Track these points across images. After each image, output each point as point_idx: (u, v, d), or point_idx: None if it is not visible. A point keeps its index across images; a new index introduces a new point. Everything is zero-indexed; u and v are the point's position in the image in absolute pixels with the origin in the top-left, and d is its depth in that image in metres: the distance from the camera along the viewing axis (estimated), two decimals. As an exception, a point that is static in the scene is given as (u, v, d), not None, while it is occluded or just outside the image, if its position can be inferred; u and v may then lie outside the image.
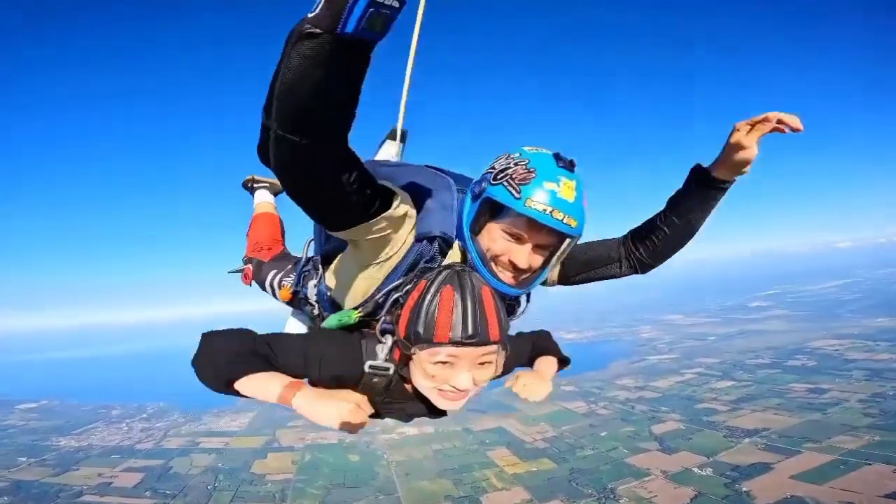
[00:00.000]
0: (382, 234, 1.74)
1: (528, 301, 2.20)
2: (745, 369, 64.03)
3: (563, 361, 2.65)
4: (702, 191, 2.05)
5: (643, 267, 2.34)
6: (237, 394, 1.74)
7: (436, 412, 2.03)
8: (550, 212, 1.72)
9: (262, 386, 1.70)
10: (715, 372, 64.95)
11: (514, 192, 1.74)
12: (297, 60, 1.04)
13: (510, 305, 2.11)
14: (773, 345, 74.41)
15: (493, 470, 44.54)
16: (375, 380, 1.86)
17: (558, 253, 1.92)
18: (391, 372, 1.84)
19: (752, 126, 1.82)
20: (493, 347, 1.70)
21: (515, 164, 1.79)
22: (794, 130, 1.76)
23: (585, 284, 2.45)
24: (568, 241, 1.88)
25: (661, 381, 63.99)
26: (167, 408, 67.74)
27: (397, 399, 1.98)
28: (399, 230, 1.78)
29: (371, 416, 1.92)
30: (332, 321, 2.00)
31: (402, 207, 1.72)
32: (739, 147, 1.86)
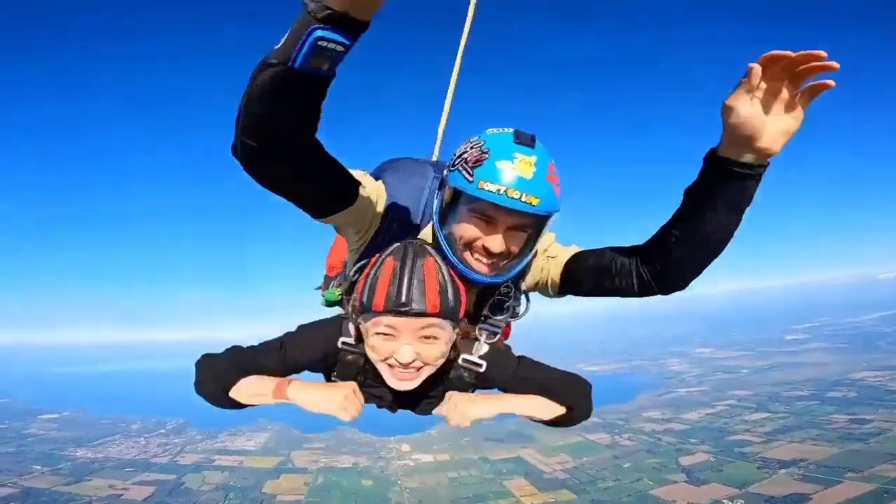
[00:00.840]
0: (356, 217, 1.85)
1: (528, 301, 2.15)
2: (781, 401, 61.00)
3: (566, 416, 2.11)
4: (712, 179, 1.56)
5: (658, 282, 1.85)
6: (240, 405, 1.93)
7: (416, 405, 2.10)
8: (504, 191, 1.63)
9: (254, 388, 1.84)
10: (748, 404, 62.12)
11: (467, 175, 1.69)
12: (258, 82, 1.24)
13: (509, 306, 2.09)
14: (812, 377, 70.89)
15: (510, 500, 43.12)
16: (349, 357, 1.93)
17: (539, 233, 1.84)
18: (360, 350, 1.90)
19: (762, 72, 1.34)
20: (434, 320, 1.68)
21: (472, 147, 1.74)
22: (826, 69, 1.30)
23: (595, 298, 2.09)
24: (542, 219, 1.78)
25: (690, 414, 61.21)
26: (186, 424, 68.32)
27: (373, 383, 1.99)
28: (367, 213, 1.87)
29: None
30: (321, 300, 2.18)
31: (366, 192, 1.82)
32: (729, 110, 1.41)
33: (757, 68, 1.31)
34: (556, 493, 43.12)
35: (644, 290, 1.90)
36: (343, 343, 1.92)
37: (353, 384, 1.89)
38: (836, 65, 1.26)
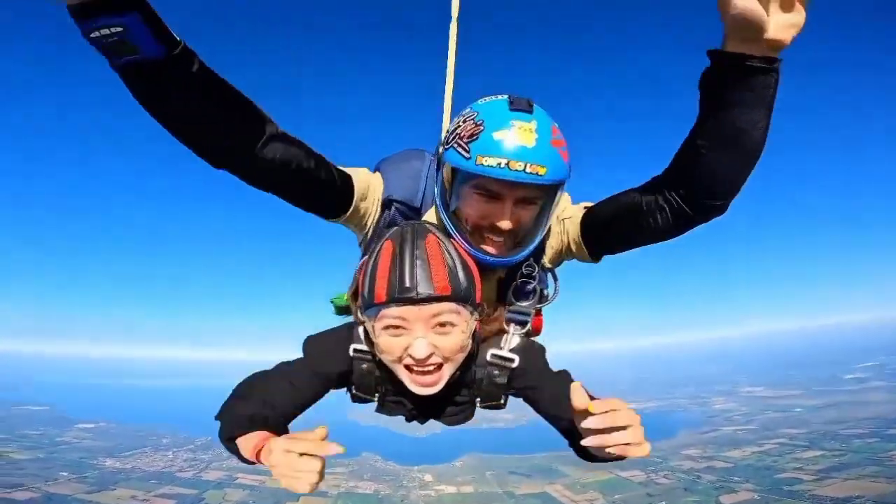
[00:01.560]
0: (356, 211, 1.76)
1: (556, 279, 1.95)
2: (837, 439, 55.83)
3: None
4: (727, 77, 1.37)
5: (694, 205, 1.57)
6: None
7: (442, 413, 1.85)
8: (506, 164, 1.48)
9: (244, 447, 1.56)
10: (800, 442, 57.18)
11: (463, 151, 1.54)
12: (131, 92, 1.21)
13: (535, 288, 1.85)
14: (872, 415, 64.89)
15: (535, 537, 40.44)
16: (364, 366, 1.72)
17: (552, 204, 1.67)
18: (372, 355, 1.69)
19: None
20: (446, 305, 1.45)
21: (465, 121, 1.60)
22: None
23: (633, 247, 1.84)
24: (552, 188, 1.62)
25: (734, 452, 56.81)
26: (215, 441, 69.06)
27: (392, 390, 1.77)
28: (364, 201, 1.76)
29: (379, 411, 1.91)
30: (332, 308, 2.05)
31: (359, 182, 1.72)
32: (725, 2, 1.25)
33: None
34: (584, 531, 40.40)
35: (680, 221, 1.61)
36: (355, 351, 1.71)
37: (315, 464, 1.27)
38: None
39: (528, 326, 1.82)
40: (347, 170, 1.72)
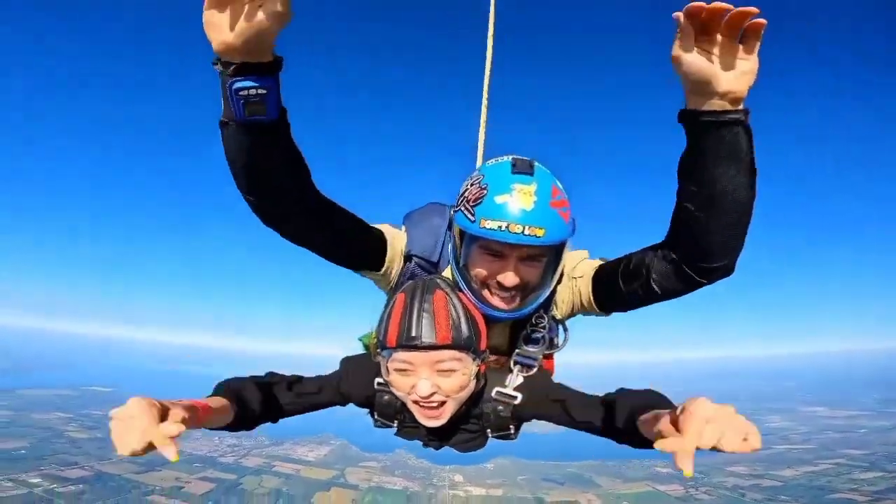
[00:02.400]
0: (387, 269, 1.97)
1: (566, 330, 2.09)
2: (901, 461, 50.96)
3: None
4: (692, 136, 1.43)
5: (694, 266, 1.63)
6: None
7: (454, 441, 2.07)
8: (506, 227, 1.61)
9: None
10: (860, 463, 52.36)
11: (469, 215, 1.70)
12: (225, 144, 1.39)
13: (543, 337, 1.99)
14: (944, 438, 58.52)
15: (560, 544, 39.28)
16: (385, 397, 1.93)
17: (556, 261, 1.81)
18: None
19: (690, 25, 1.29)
20: (447, 353, 1.65)
21: (472, 185, 1.75)
22: (743, 16, 1.23)
23: (642, 305, 1.92)
24: (554, 248, 1.74)
25: (785, 471, 52.54)
26: (258, 429, 72.26)
27: (409, 418, 1.93)
28: (392, 260, 1.96)
29: (398, 435, 2.15)
30: (361, 342, 2.19)
31: (391, 246, 1.94)
32: (677, 60, 1.32)
33: (680, 15, 1.25)
34: (612, 542, 38.82)
35: (684, 281, 1.68)
36: (378, 384, 1.92)
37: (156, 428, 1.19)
38: (753, 10, 1.21)
39: (534, 370, 1.95)
40: (378, 227, 1.93)
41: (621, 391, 1.72)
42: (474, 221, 1.67)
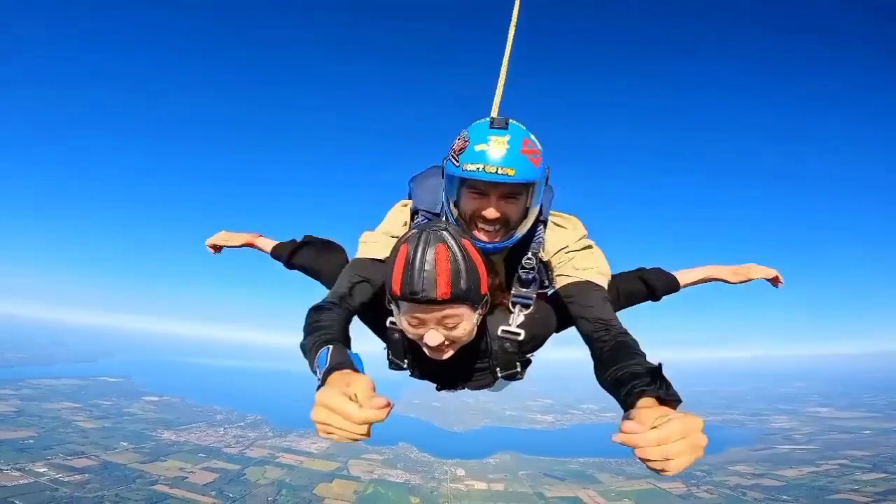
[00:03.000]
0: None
1: (551, 271, 2.26)
2: (906, 463, 50.52)
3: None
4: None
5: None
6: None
7: (467, 379, 2.31)
8: (482, 168, 1.93)
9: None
10: (863, 464, 52.07)
11: (455, 162, 2.02)
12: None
13: (535, 277, 2.22)
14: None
15: (558, 538, 39.34)
16: (395, 335, 2.19)
17: (531, 198, 2.06)
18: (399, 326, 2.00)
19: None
20: (450, 309, 1.75)
21: (458, 139, 2.07)
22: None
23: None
24: (525, 185, 2.01)
25: (788, 471, 52.30)
26: (262, 421, 73.05)
27: (419, 359, 2.18)
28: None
29: (412, 375, 2.37)
30: None
31: (395, 214, 2.42)
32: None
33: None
34: (612, 537, 38.79)
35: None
36: (390, 322, 2.16)
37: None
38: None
39: (531, 308, 2.20)
40: (391, 212, 2.41)
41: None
42: (458, 166, 1.99)
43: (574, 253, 2.21)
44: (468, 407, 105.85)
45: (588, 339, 1.91)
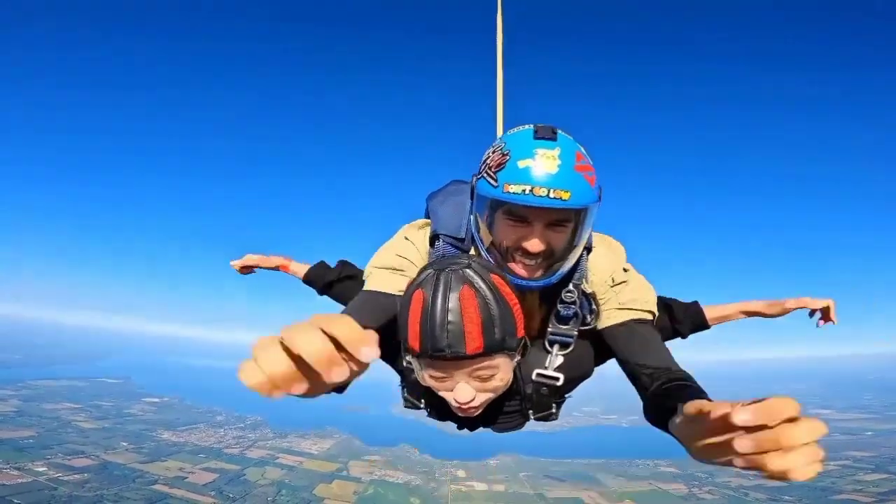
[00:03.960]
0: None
1: (597, 306, 1.89)
2: (907, 463, 50.66)
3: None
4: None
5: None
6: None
7: (493, 422, 1.99)
8: (530, 190, 1.54)
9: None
10: (865, 465, 52.21)
11: (492, 181, 1.62)
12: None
13: (577, 313, 1.85)
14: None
15: (559, 539, 39.32)
16: (413, 376, 1.70)
17: (582, 227, 1.68)
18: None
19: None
20: (482, 362, 1.46)
21: (493, 152, 1.68)
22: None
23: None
24: (579, 212, 1.64)
25: (791, 472, 52.19)
26: (262, 422, 73.33)
27: (439, 400, 1.78)
28: (418, 247, 1.92)
29: (430, 416, 2.01)
30: None
31: (412, 235, 1.96)
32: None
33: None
34: (612, 538, 38.81)
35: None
36: (407, 362, 1.63)
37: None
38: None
39: (571, 347, 1.86)
40: (404, 229, 2.03)
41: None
42: (497, 186, 1.58)
43: (619, 286, 1.86)
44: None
45: (644, 388, 1.63)
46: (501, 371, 1.51)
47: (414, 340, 1.43)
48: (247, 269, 3.30)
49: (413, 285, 1.47)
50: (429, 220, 2.01)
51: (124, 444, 53.68)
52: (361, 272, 2.21)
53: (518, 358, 1.57)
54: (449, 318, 1.37)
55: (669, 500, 47.30)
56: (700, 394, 1.39)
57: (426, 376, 1.53)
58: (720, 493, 47.33)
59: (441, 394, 1.57)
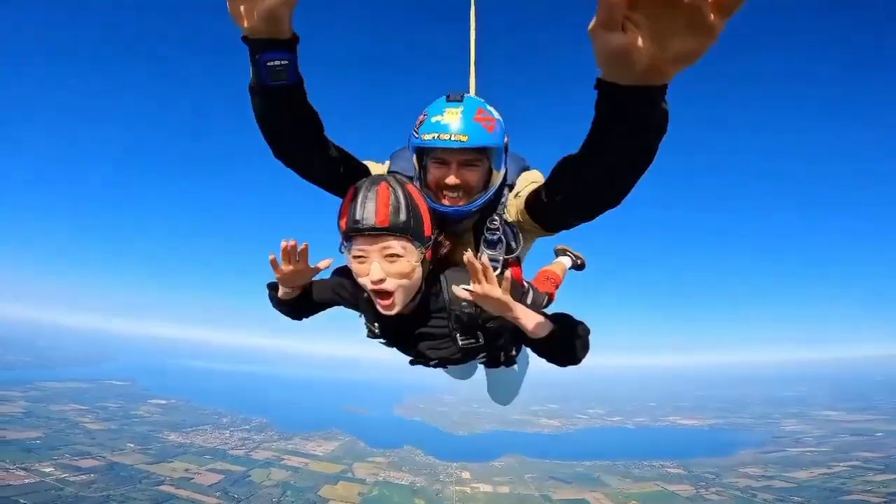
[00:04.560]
0: None
1: (517, 234, 2.26)
2: (920, 464, 49.75)
3: (551, 337, 2.06)
4: (599, 105, 1.33)
5: (539, 215, 2.09)
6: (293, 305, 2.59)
7: (422, 339, 2.31)
8: (437, 136, 2.01)
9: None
10: (876, 465, 51.34)
11: (416, 134, 2.11)
12: (255, 106, 1.77)
13: (500, 239, 2.23)
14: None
15: (564, 540, 39.01)
16: (365, 294, 2.13)
17: (491, 164, 2.12)
18: None
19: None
20: (391, 240, 1.86)
21: (420, 115, 2.15)
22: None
23: (573, 219, 2.00)
24: (483, 151, 2.07)
25: (799, 473, 51.56)
26: (268, 424, 73.80)
27: (387, 320, 2.20)
28: None
29: (386, 342, 2.43)
30: None
31: (372, 166, 2.39)
32: (593, 36, 1.10)
33: None
34: (619, 540, 38.45)
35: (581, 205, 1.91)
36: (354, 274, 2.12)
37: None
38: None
39: (499, 270, 2.19)
40: (364, 162, 2.34)
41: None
42: (418, 137, 2.07)
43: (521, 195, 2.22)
44: (473, 411, 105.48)
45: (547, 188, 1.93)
46: (406, 256, 1.89)
47: (343, 220, 1.88)
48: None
49: (350, 186, 1.93)
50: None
51: (131, 445, 53.87)
52: None
53: (424, 251, 1.94)
54: (367, 200, 1.85)
55: (676, 501, 46.75)
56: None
57: (351, 260, 1.94)
58: (728, 494, 46.68)
59: (360, 280, 1.96)
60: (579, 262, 4.40)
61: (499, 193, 2.25)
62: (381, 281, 1.90)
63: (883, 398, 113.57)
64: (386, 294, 1.94)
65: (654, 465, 58.79)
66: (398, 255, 1.88)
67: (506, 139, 2.13)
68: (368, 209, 1.84)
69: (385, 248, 1.87)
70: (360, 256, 1.91)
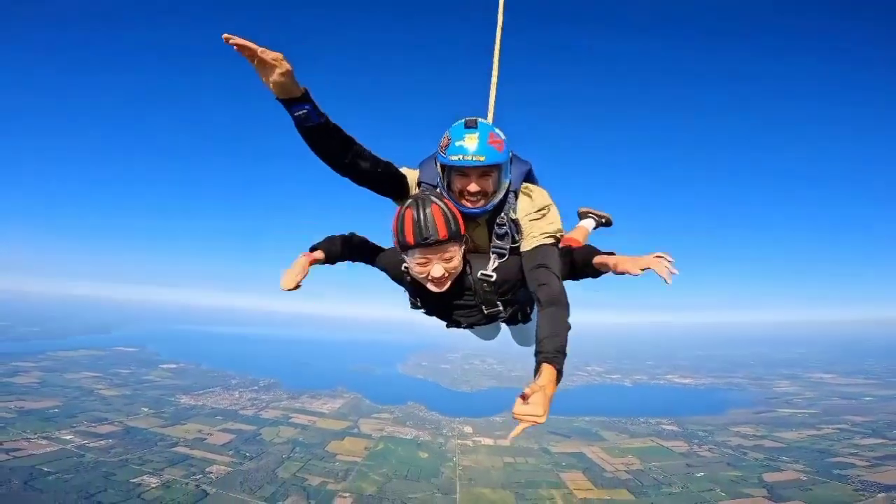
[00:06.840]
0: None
1: (518, 233, 2.91)
2: (905, 430, 51.40)
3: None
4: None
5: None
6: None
7: (459, 309, 2.94)
8: (462, 157, 2.62)
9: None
10: (862, 429, 53.03)
11: (442, 153, 2.71)
12: (304, 137, 2.44)
13: (507, 233, 2.88)
14: (951, 410, 58.34)
15: (562, 491, 40.86)
16: (409, 278, 2.80)
17: (501, 175, 2.76)
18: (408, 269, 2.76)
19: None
20: (448, 246, 2.51)
21: (444, 139, 2.73)
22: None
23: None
24: (494, 167, 2.70)
25: (788, 433, 53.46)
26: (276, 384, 75.92)
27: (428, 296, 2.82)
28: (411, 185, 2.97)
29: (427, 311, 3.05)
30: None
31: (410, 179, 2.96)
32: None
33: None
34: (614, 491, 40.03)
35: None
36: (405, 267, 2.76)
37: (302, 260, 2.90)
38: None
39: (507, 256, 2.85)
40: (402, 170, 2.95)
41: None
42: (445, 157, 2.68)
43: (534, 222, 2.84)
44: (475, 368, 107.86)
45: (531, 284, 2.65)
46: (457, 255, 2.57)
47: (409, 236, 2.47)
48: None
49: (403, 207, 2.53)
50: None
51: (145, 409, 55.50)
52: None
53: (463, 246, 2.63)
54: (428, 219, 2.46)
55: (669, 454, 48.66)
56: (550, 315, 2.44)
57: (414, 264, 2.57)
58: (719, 452, 48.52)
59: (421, 277, 2.62)
60: (603, 220, 4.67)
61: (506, 196, 2.90)
62: (442, 277, 2.56)
63: (875, 362, 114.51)
64: (441, 282, 2.60)
65: (650, 421, 60.73)
66: (452, 256, 2.56)
67: (510, 155, 2.82)
68: (430, 227, 2.45)
69: (444, 253, 2.53)
70: (423, 262, 2.54)
